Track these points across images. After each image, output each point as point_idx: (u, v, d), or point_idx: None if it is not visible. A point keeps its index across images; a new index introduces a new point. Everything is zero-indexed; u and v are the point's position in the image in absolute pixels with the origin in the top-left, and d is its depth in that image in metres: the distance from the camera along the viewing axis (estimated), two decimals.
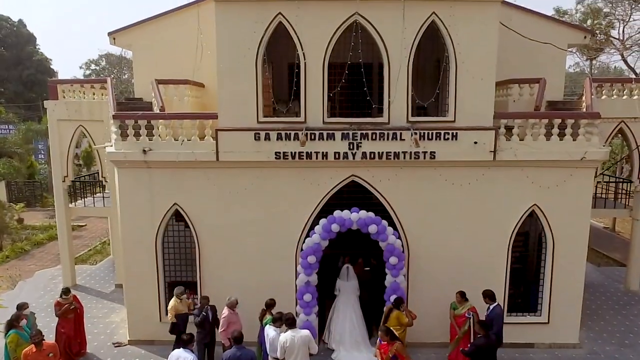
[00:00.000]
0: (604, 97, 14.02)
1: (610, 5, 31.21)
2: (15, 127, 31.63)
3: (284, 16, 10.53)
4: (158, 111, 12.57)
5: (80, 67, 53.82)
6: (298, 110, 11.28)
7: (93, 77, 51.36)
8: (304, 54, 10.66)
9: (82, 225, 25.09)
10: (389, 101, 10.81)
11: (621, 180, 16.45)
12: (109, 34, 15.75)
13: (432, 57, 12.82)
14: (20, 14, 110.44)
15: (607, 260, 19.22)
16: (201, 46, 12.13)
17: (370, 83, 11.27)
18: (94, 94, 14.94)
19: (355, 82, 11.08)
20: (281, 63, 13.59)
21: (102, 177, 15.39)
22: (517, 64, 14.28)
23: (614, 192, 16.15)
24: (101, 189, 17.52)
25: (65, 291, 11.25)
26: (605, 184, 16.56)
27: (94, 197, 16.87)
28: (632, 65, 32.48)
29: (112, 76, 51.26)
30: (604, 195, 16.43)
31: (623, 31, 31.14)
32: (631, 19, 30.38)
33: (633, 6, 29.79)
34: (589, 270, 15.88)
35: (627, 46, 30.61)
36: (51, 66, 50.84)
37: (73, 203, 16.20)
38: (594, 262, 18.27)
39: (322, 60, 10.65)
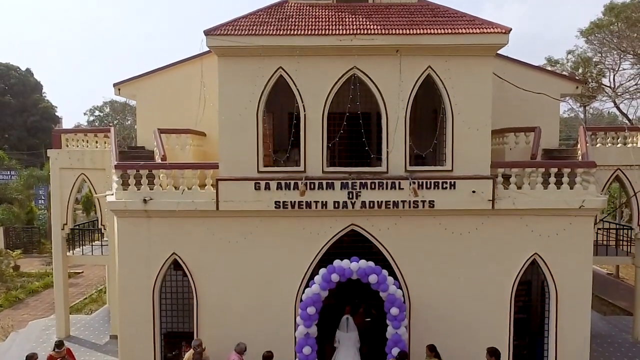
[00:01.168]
0: (598, 145, 14.26)
1: (600, 55, 32.29)
2: (17, 173, 31.87)
3: (284, 70, 10.90)
4: (160, 160, 12.77)
5: (85, 114, 54.96)
6: (298, 158, 11.44)
7: (97, 123, 52.27)
8: (303, 105, 10.95)
9: (78, 272, 24.74)
10: (387, 151, 10.99)
11: (622, 227, 16.40)
12: (114, 84, 16.23)
13: (429, 106, 13.14)
14: (28, 62, 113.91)
15: (612, 308, 18.83)
16: (204, 98, 12.45)
17: (368, 133, 11.51)
18: (96, 142, 15.18)
19: (354, 132, 11.32)
20: (281, 112, 13.88)
21: (101, 224, 15.35)
22: (512, 112, 14.62)
23: (615, 239, 16.07)
24: (100, 235, 17.43)
25: (59, 344, 10.93)
26: (606, 230, 16.51)
27: (92, 244, 16.75)
28: (625, 112, 33.25)
29: (116, 122, 52.53)
30: (605, 242, 16.34)
31: (614, 79, 32.10)
32: (621, 68, 31.35)
33: (622, 56, 30.83)
34: (595, 319, 15.54)
35: (619, 94, 31.41)
36: (56, 113, 51.94)
37: (71, 251, 16.06)
38: (599, 310, 17.89)
39: (321, 111, 10.93)
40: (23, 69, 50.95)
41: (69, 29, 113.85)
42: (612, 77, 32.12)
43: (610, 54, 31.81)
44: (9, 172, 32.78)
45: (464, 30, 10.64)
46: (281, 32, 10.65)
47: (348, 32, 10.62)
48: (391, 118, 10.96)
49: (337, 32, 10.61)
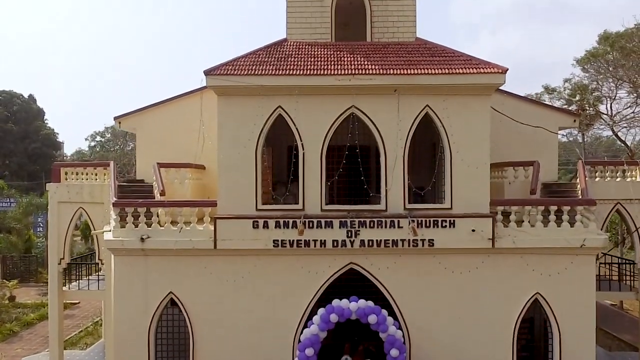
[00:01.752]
0: (597, 178, 14.22)
1: (596, 83, 32.59)
2: (16, 201, 31.82)
3: (283, 109, 10.99)
4: (158, 195, 12.73)
5: (86, 139, 55.10)
6: (297, 192, 11.37)
7: (98, 148, 52.46)
8: (302, 144, 10.99)
9: (75, 303, 24.40)
10: (386, 189, 10.97)
11: (624, 261, 16.25)
12: (115, 118, 16.32)
13: (428, 141, 13.16)
14: (31, 88, 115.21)
15: (617, 342, 18.49)
16: (203, 137, 12.50)
17: (367, 170, 11.48)
18: (95, 175, 15.17)
19: (353, 170, 11.30)
20: (281, 146, 13.90)
21: (98, 259, 15.20)
22: (511, 145, 14.60)
23: (618, 273, 15.88)
24: (97, 268, 17.23)
25: None
26: (609, 265, 16.33)
27: (88, 278, 16.55)
28: (624, 139, 33.33)
29: (117, 147, 52.68)
30: (607, 276, 16.11)
31: (611, 107, 32.26)
32: (617, 96, 31.56)
33: (618, 84, 31.10)
34: (600, 355, 15.19)
35: (616, 121, 31.53)
36: (57, 139, 52.24)
37: (67, 285, 15.86)
38: (604, 344, 17.54)
39: (319, 150, 10.97)
40: (26, 95, 51.54)
41: (72, 55, 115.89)
42: (609, 104, 32.34)
43: (607, 82, 32.10)
44: (8, 200, 32.75)
45: (461, 70, 10.75)
46: (280, 72, 10.78)
47: (346, 72, 10.74)
48: (390, 156, 10.98)
49: (336, 72, 10.73)
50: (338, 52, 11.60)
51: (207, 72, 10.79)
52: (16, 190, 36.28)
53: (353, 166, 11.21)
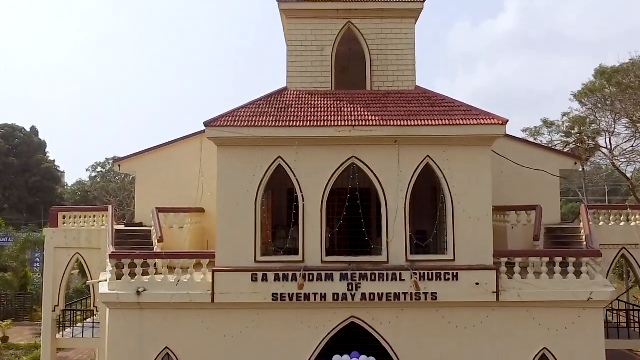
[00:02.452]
0: (601, 223, 14.05)
1: (594, 116, 32.76)
2: (14, 238, 31.57)
3: (283, 160, 10.92)
4: (157, 241, 12.57)
5: (87, 170, 55.22)
6: (297, 236, 11.12)
7: (99, 179, 52.49)
8: (302, 195, 10.86)
9: None
10: (388, 241, 10.79)
11: (632, 307, 15.91)
12: (115, 161, 16.38)
13: (429, 185, 13.01)
14: (34, 119, 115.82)
15: None
16: (202, 186, 12.42)
17: (368, 220, 11.28)
18: (94, 219, 15.03)
19: (354, 220, 11.12)
20: (281, 189, 13.77)
21: (93, 306, 14.91)
22: (512, 187, 14.54)
23: (626, 319, 15.52)
24: (92, 313, 16.88)
25: None
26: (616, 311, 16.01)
27: (83, 324, 16.17)
28: (624, 171, 33.24)
29: (117, 178, 52.74)
30: (615, 320, 15.74)
31: (610, 141, 32.32)
32: (616, 131, 31.65)
33: (616, 119, 31.24)
34: None
35: (615, 155, 31.52)
36: (59, 170, 52.37)
37: (61, 333, 15.48)
38: None
39: (320, 201, 10.85)
40: (28, 127, 52.13)
41: (76, 85, 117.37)
42: (608, 138, 32.38)
43: (605, 116, 32.26)
44: (5, 236, 32.55)
45: (461, 121, 10.74)
46: (280, 124, 10.76)
47: (347, 123, 10.73)
48: (391, 207, 10.85)
49: (336, 123, 10.71)
50: (338, 102, 11.61)
51: (207, 124, 10.77)
52: (14, 226, 36.10)
53: (354, 216, 11.04)
